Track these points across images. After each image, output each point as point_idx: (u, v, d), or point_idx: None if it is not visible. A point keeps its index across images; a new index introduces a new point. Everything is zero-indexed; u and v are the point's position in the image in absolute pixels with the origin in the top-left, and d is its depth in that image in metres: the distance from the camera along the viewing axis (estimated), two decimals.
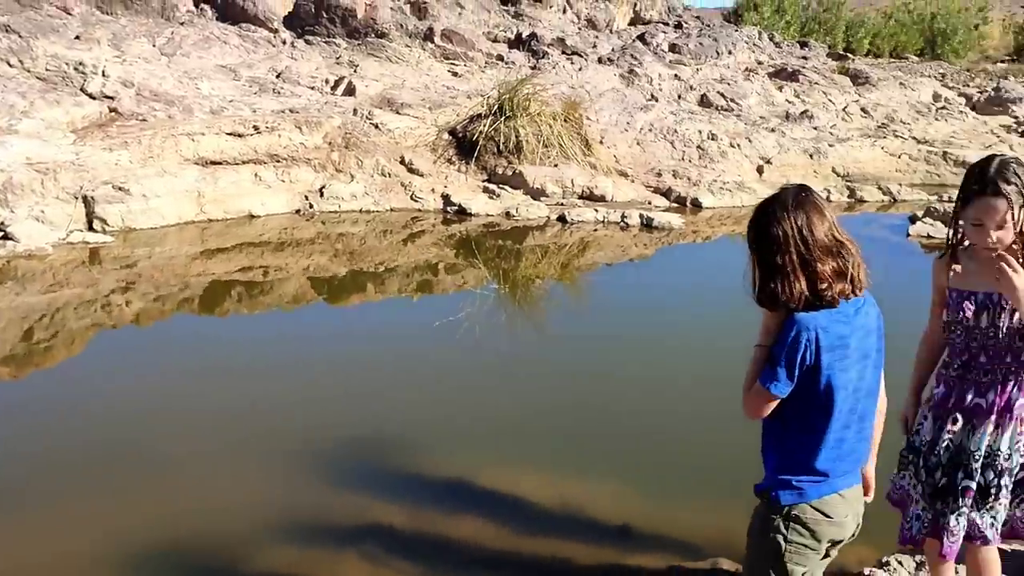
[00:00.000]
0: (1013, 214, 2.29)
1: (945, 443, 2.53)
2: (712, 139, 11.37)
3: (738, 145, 11.38)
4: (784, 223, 2.04)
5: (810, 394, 2.08)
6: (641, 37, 15.18)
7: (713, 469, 3.93)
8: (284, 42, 12.83)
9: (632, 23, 16.68)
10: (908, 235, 8.52)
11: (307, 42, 12.90)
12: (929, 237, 8.37)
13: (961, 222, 2.48)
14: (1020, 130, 13.51)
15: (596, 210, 9.29)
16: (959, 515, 2.49)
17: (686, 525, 3.55)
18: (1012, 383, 2.46)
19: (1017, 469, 2.50)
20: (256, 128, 9.19)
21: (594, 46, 14.27)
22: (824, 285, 2.03)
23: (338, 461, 4.23)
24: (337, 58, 12.49)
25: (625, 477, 4.00)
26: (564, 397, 4.98)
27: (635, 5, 16.81)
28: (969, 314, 2.47)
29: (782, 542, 2.13)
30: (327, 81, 11.54)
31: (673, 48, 15.03)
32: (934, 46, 32.17)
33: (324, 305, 7.08)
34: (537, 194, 9.72)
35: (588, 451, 4.29)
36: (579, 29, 15.10)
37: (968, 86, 20.94)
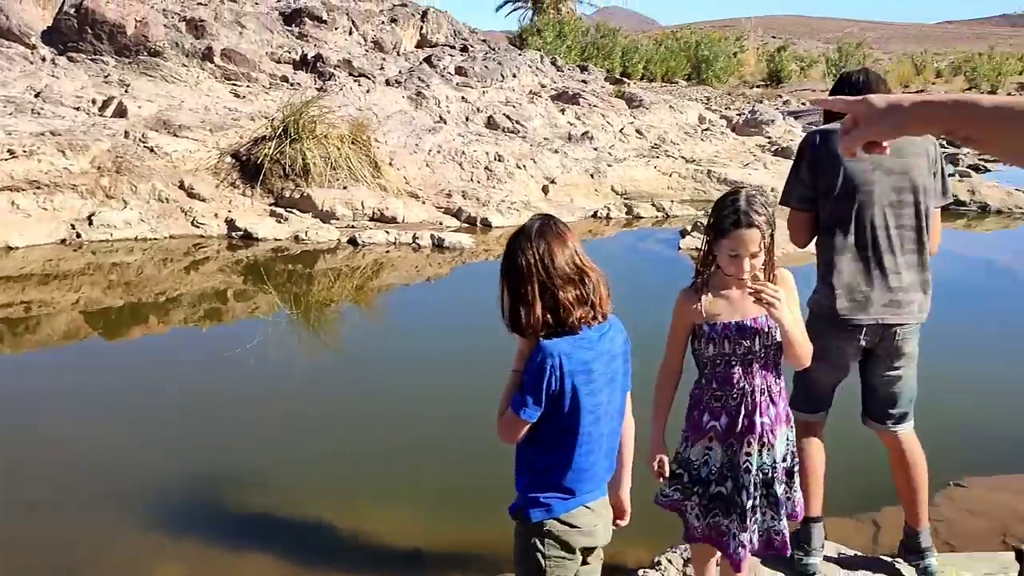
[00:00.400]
0: (764, 242, 2.42)
1: (717, 464, 2.56)
2: (499, 160, 11.69)
3: (524, 166, 11.77)
4: (527, 253, 2.14)
5: (558, 418, 2.16)
6: (428, 60, 15.37)
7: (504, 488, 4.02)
8: (44, 59, 11.89)
9: (419, 46, 16.85)
10: (679, 248, 9.14)
11: (70, 59, 12.02)
12: (698, 250, 8.98)
13: (715, 254, 2.54)
14: (772, 149, 14.87)
15: (388, 232, 9.29)
16: (736, 529, 2.56)
17: (479, 544, 3.61)
18: (771, 401, 2.56)
19: (783, 480, 2.59)
20: (11, 152, 8.46)
21: (381, 68, 14.29)
22: (565, 312, 2.12)
23: (120, 504, 3.96)
24: (105, 77, 11.73)
25: (421, 499, 4.02)
26: (360, 421, 4.93)
27: (422, 28, 17.00)
28: (728, 345, 2.51)
29: (541, 559, 2.21)
30: (94, 101, 10.81)
31: (460, 71, 15.32)
32: (700, 72, 34.86)
33: (102, 340, 6.61)
34: (327, 217, 9.59)
35: (383, 474, 4.27)
36: (366, 51, 15.08)
37: (729, 109, 22.82)
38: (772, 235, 2.47)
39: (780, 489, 2.56)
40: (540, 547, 2.21)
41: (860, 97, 1.29)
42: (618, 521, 2.44)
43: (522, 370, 2.17)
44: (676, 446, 2.69)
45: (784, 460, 2.58)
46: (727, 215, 2.44)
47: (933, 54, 49.62)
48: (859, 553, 3.39)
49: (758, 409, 2.52)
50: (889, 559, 3.33)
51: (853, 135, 1.30)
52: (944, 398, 4.75)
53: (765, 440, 2.53)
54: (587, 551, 2.29)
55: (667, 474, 2.62)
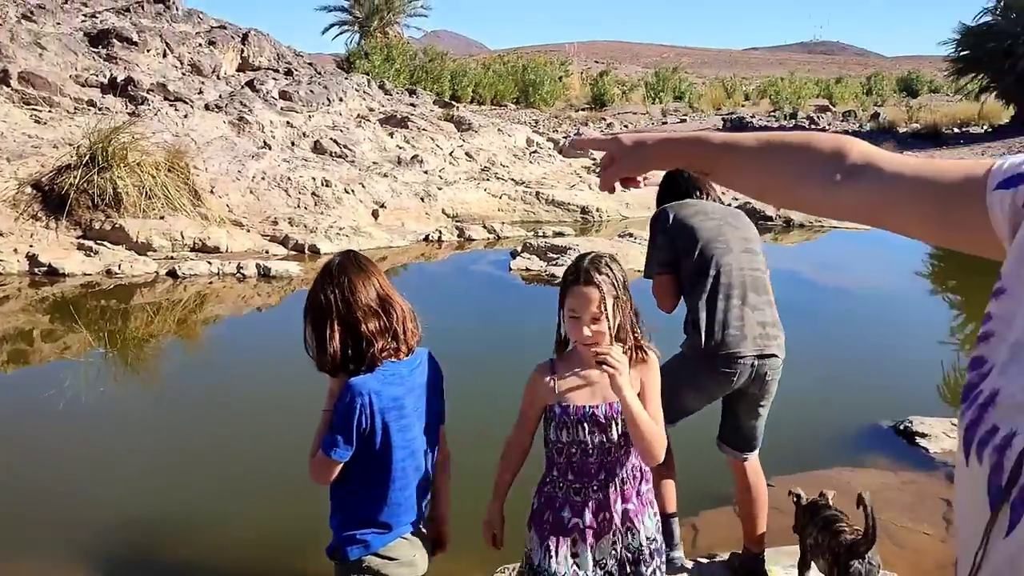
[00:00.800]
0: (605, 304, 2.18)
1: (591, 571, 2.28)
2: (327, 185, 11.49)
3: (353, 191, 11.62)
4: (327, 289, 2.14)
5: (370, 455, 2.15)
6: (251, 84, 14.92)
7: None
8: None
9: (241, 69, 16.33)
10: (510, 269, 9.28)
11: None
12: (528, 270, 9.20)
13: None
14: (597, 171, 15.38)
15: (210, 262, 8.91)
16: None
17: None
18: (636, 491, 2.32)
19: (648, 560, 2.38)
20: None
21: (200, 92, 13.74)
22: (368, 344, 2.12)
23: None
24: None
25: (238, 541, 3.84)
26: (177, 461, 4.66)
27: (243, 51, 16.49)
28: (582, 431, 2.23)
29: None
30: None
31: (284, 95, 14.98)
32: (527, 95, 35.69)
33: None
34: (143, 249, 9.09)
35: (194, 518, 4.05)
36: (183, 75, 14.46)
37: (556, 132, 23.49)
38: (623, 303, 2.23)
39: (648, 570, 2.34)
40: None
41: (612, 136, 1.35)
42: (438, 551, 2.44)
43: (332, 409, 2.14)
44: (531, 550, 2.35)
45: (652, 540, 2.35)
46: (569, 272, 2.26)
47: (741, 78, 53.14)
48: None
49: (621, 498, 2.28)
50: (706, 560, 3.47)
51: (610, 171, 1.36)
52: None
53: (633, 527, 2.30)
54: None
55: (501, 545, 2.44)
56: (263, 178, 11.30)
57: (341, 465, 2.14)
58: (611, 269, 2.24)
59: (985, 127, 26.11)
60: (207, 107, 13.10)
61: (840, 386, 5.99)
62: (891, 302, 8.83)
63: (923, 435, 4.76)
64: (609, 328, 2.21)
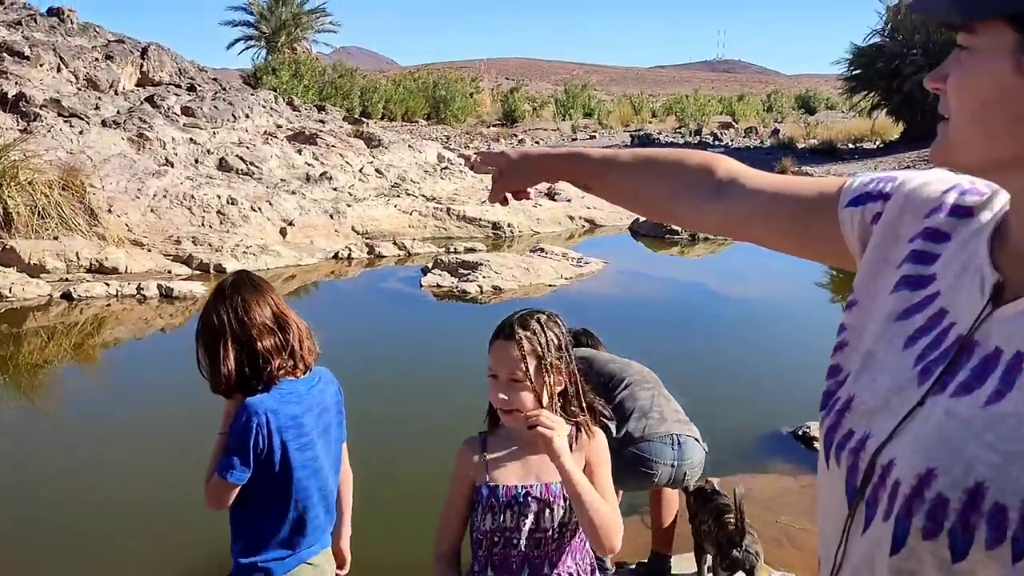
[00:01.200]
0: (526, 365, 1.85)
1: None
2: (232, 203, 11.24)
3: (260, 208, 11.40)
4: (220, 309, 2.11)
5: (269, 477, 2.10)
6: (151, 99, 14.51)
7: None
8: None
9: (140, 84, 15.84)
10: (421, 286, 9.25)
11: None
12: (439, 286, 9.18)
13: None
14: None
15: (108, 284, 8.60)
16: None
17: None
18: None
19: None
20: None
21: (97, 108, 13.29)
22: (264, 362, 2.09)
23: None
24: None
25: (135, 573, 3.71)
26: (66, 488, 4.47)
27: (142, 66, 16.01)
28: (510, 516, 1.90)
29: None
30: None
31: (187, 111, 14.61)
32: (439, 111, 35.74)
33: None
34: (35, 271, 8.71)
35: (91, 548, 3.89)
36: (78, 90, 13.95)
37: (467, 148, 23.57)
38: (554, 368, 1.89)
39: None
40: None
41: (499, 151, 1.38)
42: (339, 571, 2.42)
43: (228, 432, 2.09)
44: None
45: None
46: (496, 327, 1.95)
47: (648, 96, 54.40)
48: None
49: None
50: (613, 569, 3.51)
51: (499, 184, 1.42)
52: None
53: None
54: None
55: None
56: (165, 196, 10.99)
57: (238, 488, 2.08)
58: (542, 327, 1.88)
59: (877, 143, 27.37)
60: (104, 123, 12.68)
61: (742, 394, 6.16)
62: (791, 311, 9.14)
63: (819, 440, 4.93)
64: (536, 396, 1.87)
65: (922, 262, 0.93)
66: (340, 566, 2.42)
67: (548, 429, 1.81)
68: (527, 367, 1.85)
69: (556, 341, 1.90)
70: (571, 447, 1.89)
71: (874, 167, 22.11)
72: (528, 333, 1.88)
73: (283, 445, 2.09)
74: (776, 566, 3.54)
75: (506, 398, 1.86)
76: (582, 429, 1.94)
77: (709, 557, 3.26)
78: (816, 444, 4.92)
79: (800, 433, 5.08)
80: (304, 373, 2.18)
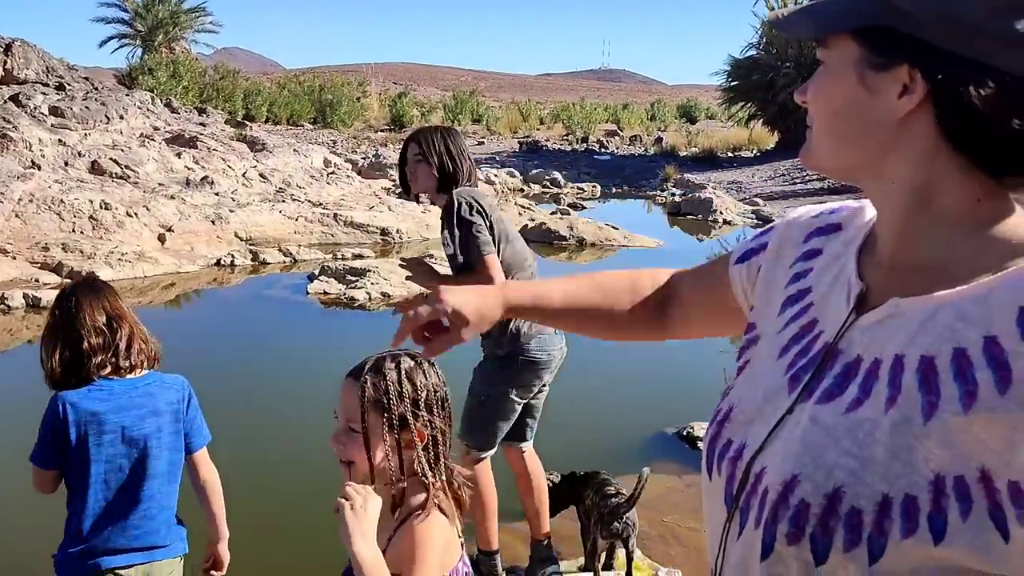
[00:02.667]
0: (364, 416, 1.58)
1: None
2: (106, 208, 10.74)
3: (136, 214, 10.93)
4: (56, 309, 2.25)
5: (73, 468, 2.20)
6: (15, 98, 13.72)
7: None
8: None
9: (3, 82, 14.97)
10: (308, 293, 9.06)
11: None
12: (326, 293, 9.01)
13: None
14: (397, 191, 15.38)
15: None
16: None
17: None
18: None
19: None
20: None
21: None
22: (87, 359, 2.17)
23: None
24: None
25: None
26: None
27: (6, 63, 15.15)
28: None
29: None
30: None
31: (55, 111, 13.89)
32: (325, 116, 35.16)
33: None
34: None
35: None
36: None
37: (355, 153, 23.26)
38: (408, 428, 1.60)
39: None
40: None
41: (449, 308, 1.18)
42: (213, 573, 2.45)
43: None
44: None
45: None
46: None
47: (536, 103, 54.98)
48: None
49: None
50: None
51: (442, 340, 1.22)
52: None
53: None
54: None
55: None
56: (31, 200, 10.40)
57: (50, 474, 2.21)
58: (400, 376, 1.60)
59: (755, 151, 28.52)
60: None
61: (624, 395, 6.30)
62: None
63: (703, 440, 5.08)
64: (369, 457, 1.58)
65: (799, 279, 0.98)
66: (217, 567, 2.45)
67: (344, 504, 1.48)
68: (366, 418, 1.58)
69: (412, 395, 1.60)
70: (394, 522, 1.59)
71: (751, 175, 23.03)
72: (377, 379, 1.60)
73: (82, 438, 2.16)
74: (663, 564, 3.63)
75: (340, 447, 1.61)
76: (421, 505, 1.57)
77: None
78: (700, 444, 5.07)
79: (685, 434, 5.22)
80: (129, 373, 2.23)
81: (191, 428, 2.35)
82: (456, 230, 3.19)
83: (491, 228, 3.23)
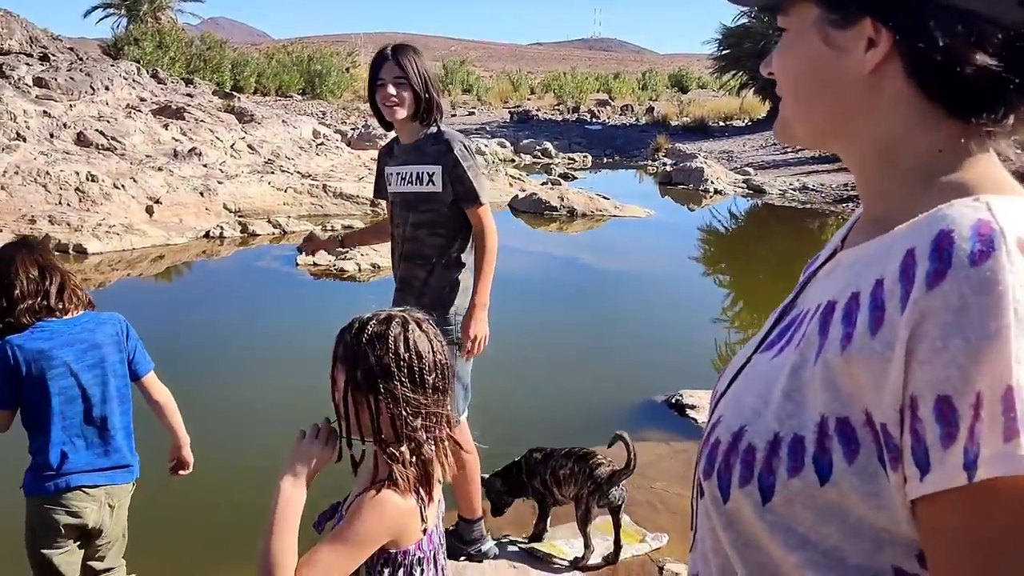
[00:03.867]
0: (332, 368, 1.59)
1: None
2: (93, 180, 10.65)
3: (123, 186, 10.84)
4: None
5: (31, 403, 2.45)
6: None
7: None
8: None
9: None
10: (297, 264, 9.02)
11: None
12: (315, 264, 8.98)
13: None
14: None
15: None
16: None
17: None
18: None
19: None
20: None
21: None
22: (15, 305, 2.42)
23: None
24: None
25: None
26: None
27: None
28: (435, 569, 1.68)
29: (31, 536, 2.49)
30: None
31: (40, 82, 13.73)
32: (314, 86, 34.88)
33: None
34: None
35: None
36: None
37: (344, 123, 23.11)
38: (364, 397, 1.55)
39: None
40: (33, 526, 2.48)
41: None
42: (181, 472, 2.81)
43: None
44: None
45: None
46: None
47: (527, 73, 54.65)
48: None
49: None
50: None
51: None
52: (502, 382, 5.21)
53: None
54: (78, 532, 2.52)
55: None
56: (16, 173, 10.30)
57: (6, 414, 2.46)
58: (373, 336, 1.54)
59: (746, 121, 28.43)
60: None
61: (616, 364, 6.32)
62: (665, 284, 9.41)
63: (692, 407, 5.10)
64: (336, 410, 1.58)
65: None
66: (183, 467, 2.81)
67: (302, 431, 1.58)
68: (333, 372, 1.58)
69: (382, 358, 1.53)
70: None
71: (743, 144, 23.00)
72: (348, 335, 1.57)
73: (34, 375, 2.41)
74: (651, 530, 3.65)
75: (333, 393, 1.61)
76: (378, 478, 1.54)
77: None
78: (688, 411, 5.10)
79: (674, 401, 5.24)
80: (65, 315, 2.49)
81: (133, 356, 2.64)
82: (468, 171, 3.09)
83: None
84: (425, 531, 1.58)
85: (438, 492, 1.63)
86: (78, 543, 2.55)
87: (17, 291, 2.42)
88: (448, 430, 1.63)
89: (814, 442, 0.74)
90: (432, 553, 1.61)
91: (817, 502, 0.74)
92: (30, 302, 2.43)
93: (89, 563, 2.63)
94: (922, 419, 0.66)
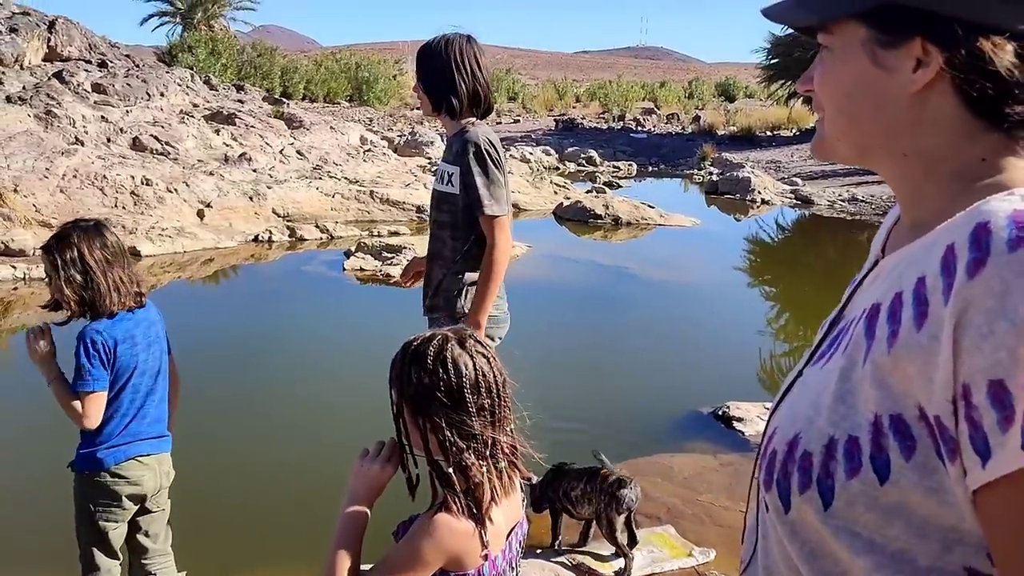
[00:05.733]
0: (389, 391, 1.60)
1: None
2: (147, 184, 10.88)
3: (176, 190, 11.07)
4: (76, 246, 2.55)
5: (111, 383, 2.57)
6: (59, 75, 13.89)
7: None
8: None
9: (48, 59, 15.15)
10: (344, 269, 9.12)
11: None
12: (362, 270, 9.07)
13: None
14: (433, 169, 15.40)
15: (14, 267, 8.24)
16: None
17: None
18: None
19: None
20: None
21: (0, 83, 12.68)
22: (106, 299, 2.53)
23: None
24: None
25: None
26: None
27: (49, 40, 15.31)
28: None
29: (91, 507, 2.60)
30: None
31: (98, 88, 14.06)
32: (361, 93, 35.20)
33: None
34: None
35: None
36: None
37: (391, 130, 23.29)
38: (415, 414, 1.55)
39: None
40: (91, 500, 2.60)
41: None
42: None
43: (57, 375, 2.55)
44: None
45: None
46: None
47: (572, 80, 54.58)
48: None
49: None
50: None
51: None
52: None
53: None
54: (137, 501, 2.68)
55: None
56: (75, 176, 10.57)
57: (105, 396, 2.55)
58: (420, 364, 1.54)
59: (794, 131, 28.07)
60: (9, 99, 12.10)
61: (661, 374, 6.28)
62: (710, 294, 9.33)
63: (739, 419, 5.05)
64: (402, 438, 1.60)
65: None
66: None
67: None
68: (391, 393, 1.58)
69: (427, 382, 1.52)
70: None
71: (791, 154, 22.72)
72: (397, 357, 1.57)
73: (120, 355, 2.56)
74: (697, 543, 3.62)
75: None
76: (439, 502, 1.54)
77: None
78: (735, 424, 5.05)
79: (720, 413, 5.19)
80: (135, 303, 2.64)
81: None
82: (476, 178, 2.95)
83: (505, 183, 3.04)
84: (487, 556, 1.55)
85: (503, 515, 1.59)
86: (133, 513, 2.71)
87: (111, 282, 2.52)
88: (507, 454, 1.60)
89: (869, 441, 0.75)
90: None
91: (879, 503, 0.74)
92: (123, 294, 2.55)
93: (139, 539, 2.77)
94: (977, 406, 0.66)
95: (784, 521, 0.82)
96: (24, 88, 12.83)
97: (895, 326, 0.74)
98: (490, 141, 2.99)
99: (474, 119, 3.08)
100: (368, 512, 1.58)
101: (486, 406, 1.54)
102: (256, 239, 10.53)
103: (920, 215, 0.84)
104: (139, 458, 2.63)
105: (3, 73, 13.19)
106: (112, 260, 2.54)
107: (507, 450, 1.59)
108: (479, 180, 2.94)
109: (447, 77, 3.02)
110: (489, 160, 2.96)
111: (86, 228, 2.57)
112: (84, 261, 2.48)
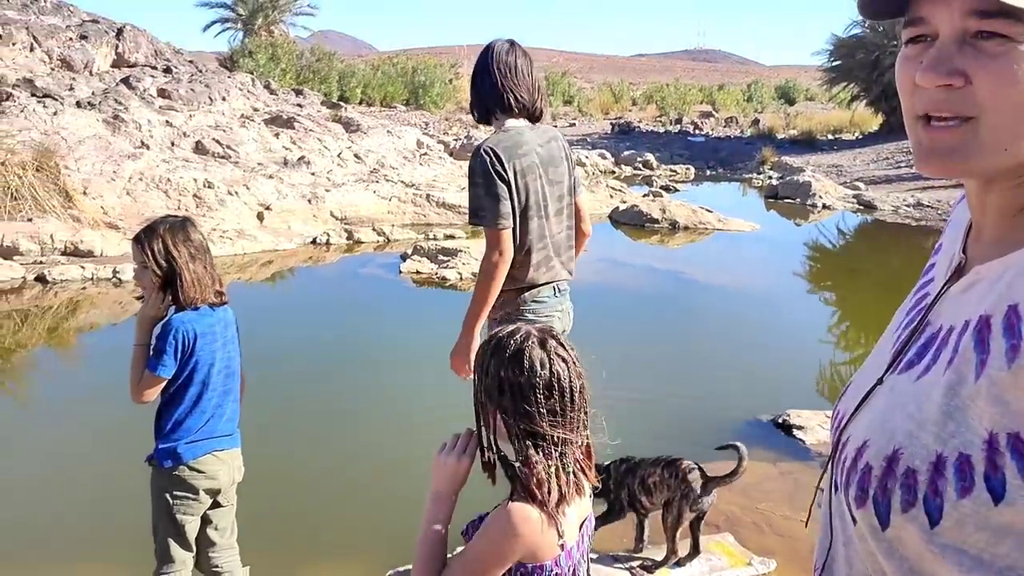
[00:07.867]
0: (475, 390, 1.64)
1: None
2: (209, 187, 11.11)
3: (237, 192, 11.28)
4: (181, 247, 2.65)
5: (189, 377, 2.66)
6: (126, 81, 14.30)
7: None
8: None
9: (116, 65, 15.62)
10: (401, 272, 9.19)
11: None
12: (418, 272, 9.13)
13: None
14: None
15: (83, 267, 8.48)
16: None
17: None
18: None
19: None
20: None
21: (71, 89, 13.08)
22: (191, 292, 2.62)
23: None
24: None
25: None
26: (43, 478, 4.41)
27: (117, 47, 15.78)
28: None
29: (169, 499, 2.68)
30: None
31: (163, 93, 14.42)
32: (417, 97, 35.49)
33: None
34: (8, 253, 8.57)
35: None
36: (52, 70, 13.74)
37: (447, 134, 23.45)
38: (490, 411, 1.59)
39: None
40: (170, 494, 2.67)
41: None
42: None
43: (145, 343, 2.64)
44: None
45: None
46: None
47: (629, 84, 54.30)
48: None
49: None
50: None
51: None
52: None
53: None
54: (212, 495, 2.76)
55: None
56: (140, 179, 10.84)
57: (163, 382, 2.63)
58: (497, 356, 1.57)
59: (856, 134, 27.52)
60: (79, 104, 12.48)
61: (719, 380, 6.18)
62: (770, 301, 9.17)
63: (799, 427, 4.95)
64: (481, 427, 1.62)
65: (933, 257, 0.98)
66: None
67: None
68: (475, 385, 1.62)
69: (498, 375, 1.55)
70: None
71: (853, 158, 22.26)
72: (480, 350, 1.63)
73: (200, 350, 2.64)
74: (757, 552, 3.55)
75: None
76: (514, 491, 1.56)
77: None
78: (796, 432, 4.95)
79: (780, 421, 5.09)
80: (218, 300, 2.75)
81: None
82: (471, 188, 2.92)
83: (516, 193, 2.94)
84: (563, 547, 1.55)
85: (575, 509, 1.60)
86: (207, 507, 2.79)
87: (194, 276, 2.61)
88: (578, 455, 1.60)
89: (983, 460, 0.71)
90: (571, 570, 1.59)
91: (991, 522, 0.70)
92: (204, 288, 2.64)
93: (208, 532, 2.84)
94: None
95: (880, 539, 0.78)
96: (93, 93, 13.22)
97: (1014, 340, 0.70)
98: (494, 151, 2.91)
99: (506, 123, 3.02)
100: (452, 503, 1.62)
101: (557, 408, 1.54)
102: (314, 241, 10.68)
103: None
104: (215, 453, 2.72)
105: (74, 79, 13.61)
106: (195, 255, 2.62)
107: (578, 454, 1.60)
108: (471, 191, 2.95)
109: (475, 83, 3.05)
110: (483, 171, 2.89)
111: (173, 223, 2.66)
112: (169, 253, 2.57)
